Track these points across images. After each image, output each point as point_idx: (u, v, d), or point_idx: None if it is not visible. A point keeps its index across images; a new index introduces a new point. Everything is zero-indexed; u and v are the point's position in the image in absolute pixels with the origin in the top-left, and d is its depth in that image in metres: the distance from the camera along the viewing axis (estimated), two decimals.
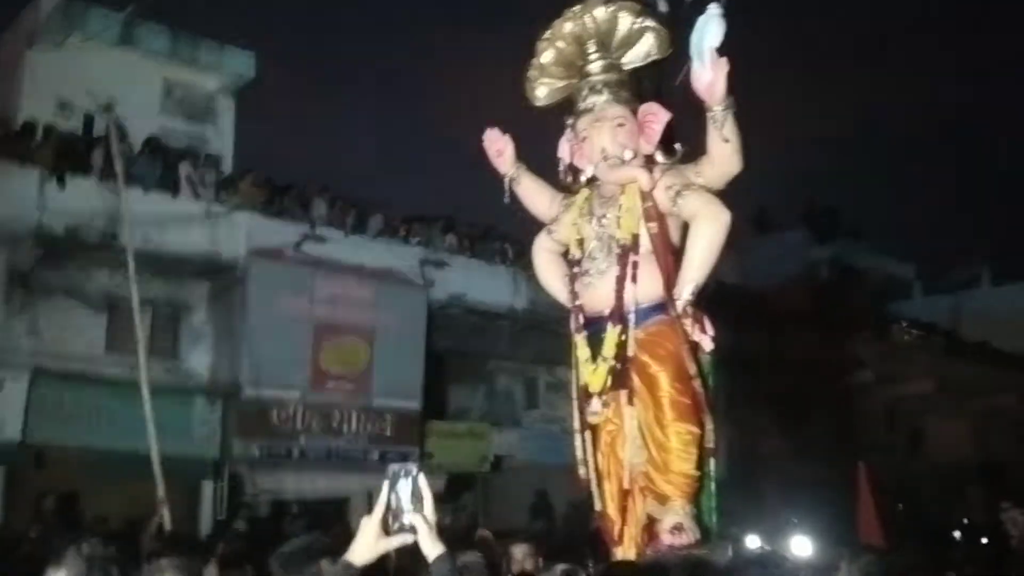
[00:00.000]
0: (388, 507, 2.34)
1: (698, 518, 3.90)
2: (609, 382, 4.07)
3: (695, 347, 3.99)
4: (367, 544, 2.33)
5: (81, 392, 11.23)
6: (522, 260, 15.31)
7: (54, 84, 13.53)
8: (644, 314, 4.04)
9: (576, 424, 4.32)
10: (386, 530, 2.34)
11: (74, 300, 11.78)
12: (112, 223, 10.84)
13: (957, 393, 24.53)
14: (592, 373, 4.12)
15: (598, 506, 4.18)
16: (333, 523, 12.07)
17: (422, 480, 2.37)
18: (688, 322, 3.96)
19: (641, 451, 4.00)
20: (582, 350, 4.22)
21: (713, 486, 4.04)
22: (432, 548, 2.35)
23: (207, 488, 12.13)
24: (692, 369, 3.94)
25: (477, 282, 14.98)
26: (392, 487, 2.36)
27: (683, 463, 3.86)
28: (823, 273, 30.11)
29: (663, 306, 4.02)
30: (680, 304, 3.95)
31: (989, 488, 22.92)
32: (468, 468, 15.38)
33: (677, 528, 3.76)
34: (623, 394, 4.05)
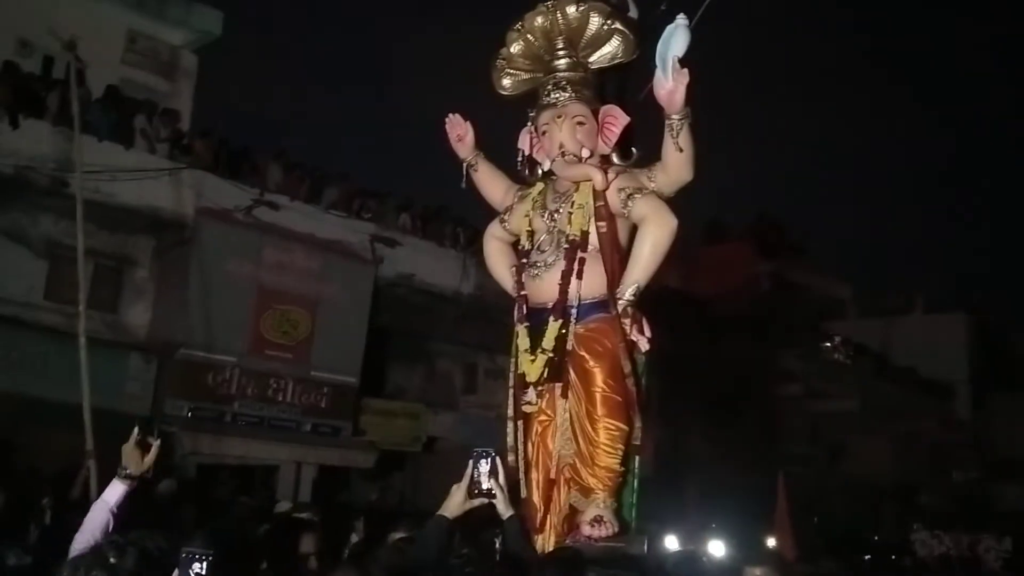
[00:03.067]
0: (472, 478, 3.22)
1: (618, 512, 4.04)
2: (546, 374, 4.17)
3: (632, 346, 4.11)
4: (457, 504, 3.18)
5: (16, 337, 11.03)
6: (473, 245, 15.39)
7: (15, 22, 13.22)
8: (586, 310, 4.15)
9: (509, 412, 4.41)
10: (470, 494, 3.20)
11: (17, 243, 11.55)
12: (63, 168, 10.65)
13: (880, 414, 25.22)
14: (530, 363, 4.22)
15: (523, 493, 4.28)
16: (260, 489, 12.12)
17: (498, 460, 3.26)
18: (627, 322, 4.08)
19: (570, 443, 4.12)
20: (522, 340, 4.31)
21: (636, 483, 4.18)
22: (506, 509, 3.26)
23: None
24: (627, 367, 4.06)
25: (426, 263, 15.02)
26: (475, 463, 3.25)
27: (609, 458, 3.99)
28: (763, 286, 30.64)
29: (605, 304, 4.13)
30: (621, 304, 4.07)
31: (901, 508, 23.68)
32: (401, 447, 15.44)
33: (597, 520, 3.89)
34: (558, 386, 4.17)
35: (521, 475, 4.25)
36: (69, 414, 8.40)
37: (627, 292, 4.06)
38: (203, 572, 2.36)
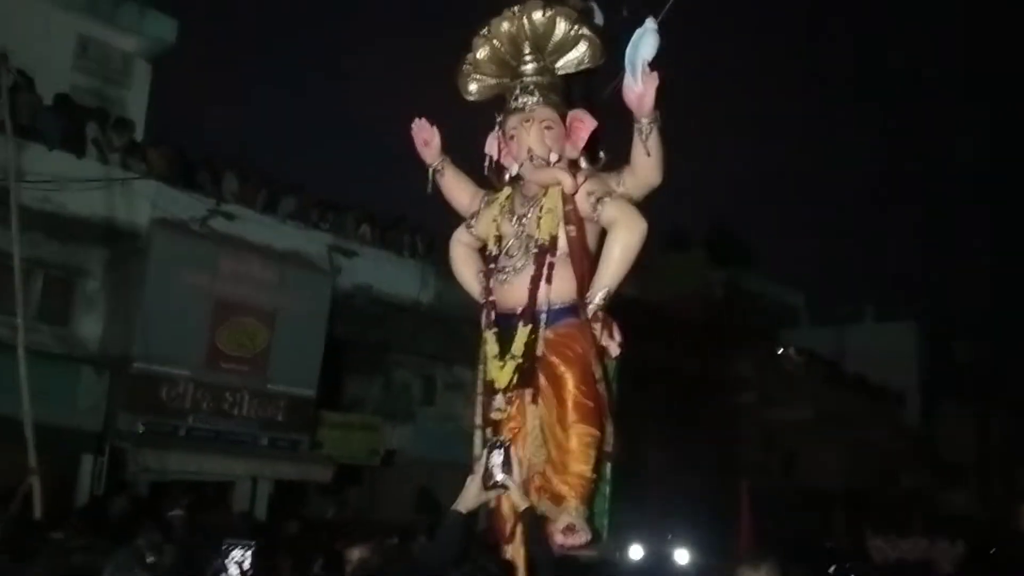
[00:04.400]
0: (486, 470, 3.24)
1: (590, 520, 3.99)
2: (515, 379, 4.12)
3: (602, 351, 4.09)
4: (472, 496, 3.22)
5: None
6: (432, 255, 15.34)
7: None
8: (555, 315, 4.11)
9: (477, 420, 4.35)
10: (484, 486, 3.21)
11: None
12: (6, 177, 10.38)
13: (832, 422, 25.58)
14: (499, 369, 4.17)
15: (492, 503, 4.22)
16: (215, 506, 11.89)
17: (512, 450, 3.27)
18: (597, 326, 4.05)
19: (540, 450, 4.07)
20: (491, 346, 4.26)
21: (608, 490, 4.14)
22: (521, 501, 3.30)
23: (87, 462, 11.73)
24: (598, 372, 4.03)
25: (385, 273, 14.93)
26: (488, 455, 3.27)
27: (581, 465, 3.94)
28: (718, 293, 30.95)
29: (575, 309, 4.10)
30: (591, 308, 4.04)
31: (853, 515, 24.00)
32: (358, 460, 15.27)
33: (569, 529, 3.83)
34: (528, 392, 4.12)
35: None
36: (15, 428, 8.16)
37: (597, 296, 4.03)
38: (244, 561, 2.51)
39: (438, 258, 14.96)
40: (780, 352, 27.33)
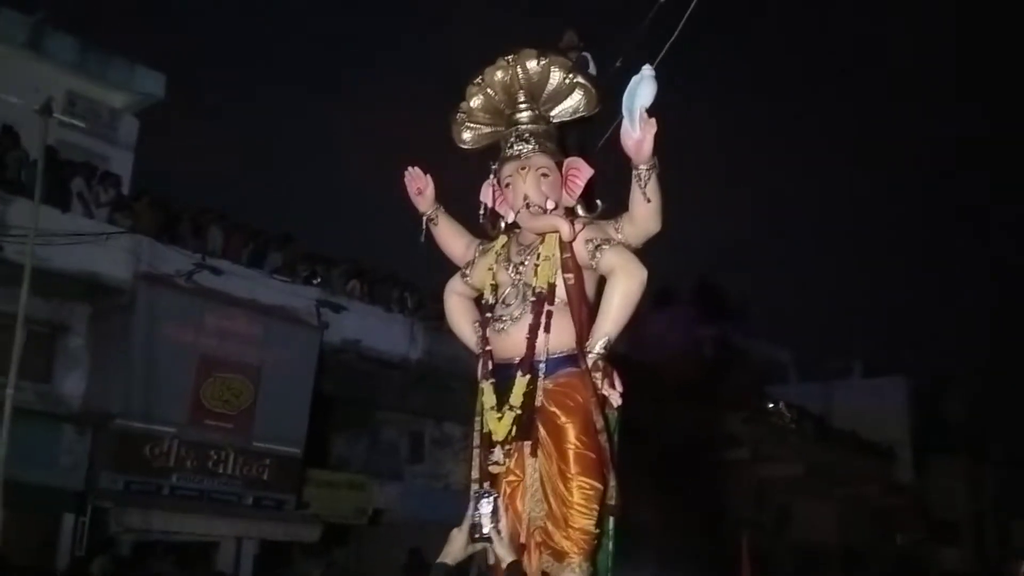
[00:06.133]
0: (472, 520, 3.14)
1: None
2: (514, 431, 4.00)
3: (603, 401, 3.98)
4: (458, 548, 3.10)
5: None
6: (421, 310, 15.25)
7: None
8: (554, 364, 4.01)
9: (474, 474, 4.22)
10: (471, 538, 3.10)
11: None
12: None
13: (824, 478, 25.42)
14: (497, 421, 4.05)
15: (491, 560, 4.08)
16: (199, 566, 11.59)
17: (499, 501, 3.19)
18: (598, 376, 3.96)
19: (540, 505, 3.94)
20: (487, 397, 4.15)
21: (611, 545, 4.00)
22: (507, 555, 3.18)
23: (68, 521, 11.44)
24: (599, 423, 3.92)
25: (373, 329, 14.82)
26: (475, 505, 3.17)
27: (584, 519, 3.80)
28: (707, 350, 30.92)
29: (574, 358, 4.00)
30: (591, 357, 3.95)
31: (849, 572, 23.71)
32: (346, 520, 14.99)
33: None
34: (527, 445, 4.00)
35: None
36: None
37: (597, 345, 3.94)
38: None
39: (427, 314, 14.88)
40: (771, 408, 27.22)
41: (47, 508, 11.22)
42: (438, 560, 3.01)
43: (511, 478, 4.05)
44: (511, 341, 4.10)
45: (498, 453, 4.04)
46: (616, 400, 4.02)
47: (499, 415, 4.04)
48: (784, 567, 20.85)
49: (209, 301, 12.96)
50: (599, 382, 3.96)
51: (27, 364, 11.21)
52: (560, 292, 4.09)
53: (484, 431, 4.13)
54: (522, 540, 3.96)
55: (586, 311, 4.06)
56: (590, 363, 3.95)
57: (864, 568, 25.31)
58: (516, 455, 4.03)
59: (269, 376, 13.47)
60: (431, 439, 16.97)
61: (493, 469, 4.07)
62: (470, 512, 3.13)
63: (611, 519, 3.97)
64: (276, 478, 13.45)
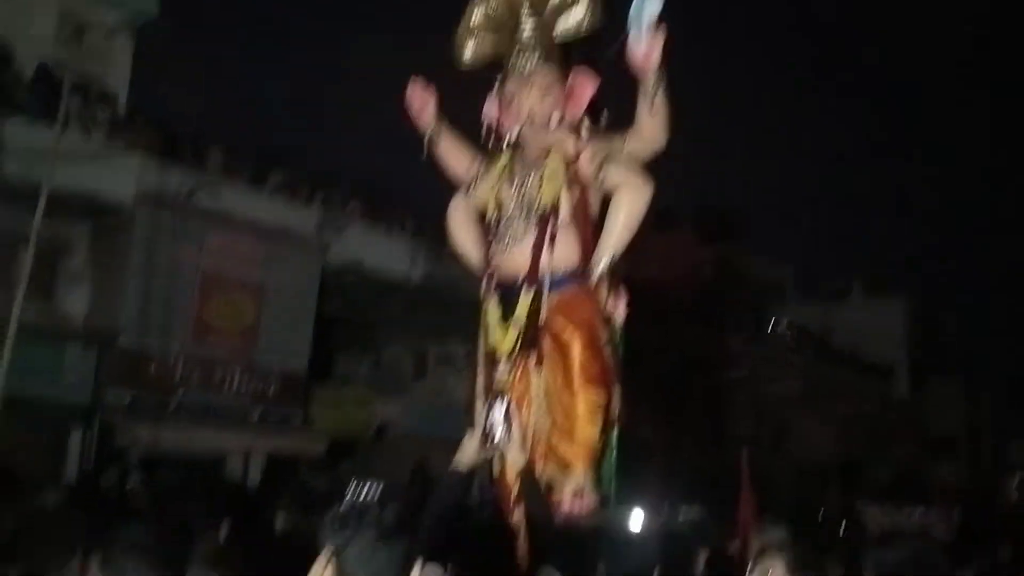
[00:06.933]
0: (485, 427, 3.14)
1: (597, 486, 3.93)
2: (519, 345, 4.04)
3: (608, 316, 4.01)
4: (471, 453, 3.08)
5: None
6: (423, 231, 15.22)
7: None
8: (559, 280, 4.02)
9: (479, 388, 4.27)
10: (483, 442, 3.11)
11: None
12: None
13: (822, 396, 25.70)
14: (502, 336, 4.08)
15: (496, 472, 4.15)
16: (208, 481, 11.80)
17: (512, 408, 3.19)
18: (603, 291, 3.98)
19: (545, 417, 3.99)
20: (492, 313, 4.17)
21: (614, 455, 4.08)
22: (519, 458, 3.18)
23: (76, 436, 11.62)
24: (604, 337, 3.96)
25: (375, 249, 14.79)
26: (488, 412, 3.18)
27: (588, 430, 3.86)
28: (707, 271, 30.92)
29: (579, 274, 4.01)
30: (596, 273, 3.96)
31: (846, 487, 24.16)
32: (351, 435, 15.22)
33: (577, 494, 3.77)
34: (532, 358, 4.04)
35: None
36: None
37: (602, 261, 3.95)
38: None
39: (429, 234, 14.85)
40: (771, 328, 27.39)
41: (55, 423, 11.39)
42: (452, 464, 3.02)
43: (516, 392, 4.12)
44: (516, 258, 4.10)
45: (503, 367, 4.09)
46: (621, 314, 4.05)
47: (504, 330, 4.07)
48: (782, 483, 21.23)
49: (209, 221, 12.92)
50: (604, 297, 3.99)
51: (29, 282, 11.25)
52: (565, 208, 4.06)
53: (489, 347, 4.16)
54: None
55: (590, 227, 4.05)
56: (595, 278, 3.97)
57: (861, 482, 25.75)
58: (521, 369, 4.08)
59: (272, 295, 13.53)
60: (435, 356, 17.13)
61: (498, 384, 4.12)
62: (483, 418, 3.14)
63: (615, 431, 4.04)
64: (282, 393, 13.63)
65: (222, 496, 5.83)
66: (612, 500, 4.04)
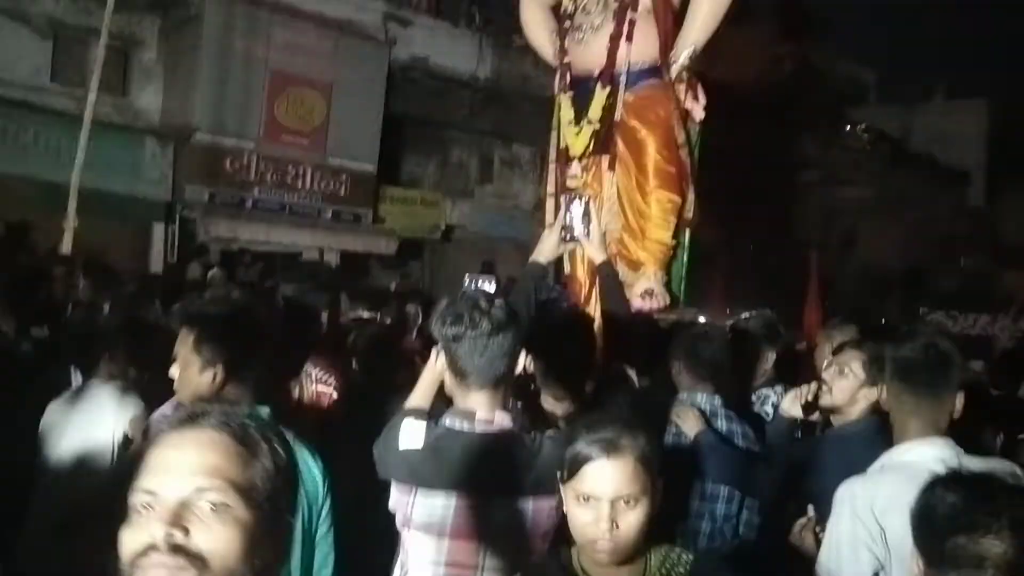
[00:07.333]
0: (564, 221, 3.07)
1: (668, 286, 3.97)
2: (591, 146, 3.99)
3: (686, 115, 3.92)
4: (550, 247, 3.05)
5: (26, 121, 10.77)
6: (490, 26, 14.74)
7: None
8: (636, 76, 3.91)
9: (550, 188, 4.26)
10: (563, 238, 3.06)
11: (18, 23, 11.03)
12: None
13: (894, 202, 25.13)
14: (574, 136, 4.03)
15: (567, 270, 4.20)
16: (286, 275, 12.21)
17: (591, 204, 3.12)
18: (681, 88, 3.87)
19: (617, 217, 4.00)
20: (566, 111, 4.10)
21: (685, 256, 4.09)
22: (598, 254, 3.14)
23: (158, 230, 12.04)
24: (680, 137, 3.89)
25: (441, 45, 14.43)
26: (567, 208, 3.11)
27: (661, 231, 3.87)
28: (785, 67, 29.65)
29: (657, 69, 3.89)
30: (675, 68, 3.84)
31: (909, 293, 24.03)
32: (419, 234, 15.47)
33: (648, 293, 3.83)
34: (605, 158, 3.99)
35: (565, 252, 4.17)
36: (83, 199, 8.27)
37: (682, 56, 3.82)
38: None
39: (497, 29, 14.38)
40: (847, 129, 26.48)
41: (138, 217, 11.76)
42: (531, 258, 3.03)
43: (588, 192, 4.10)
44: (591, 52, 3.98)
45: (575, 167, 4.06)
46: (699, 114, 3.95)
47: (577, 129, 4.02)
48: (848, 287, 21.18)
49: (277, 14, 12.66)
50: (682, 95, 3.88)
51: (103, 77, 11.36)
52: None
53: (561, 146, 4.12)
54: None
55: (671, 19, 3.89)
56: (674, 74, 3.85)
57: (925, 290, 25.57)
58: (594, 169, 4.05)
59: (340, 92, 13.40)
60: (500, 160, 17.00)
61: (570, 183, 4.10)
62: (562, 214, 3.11)
63: (687, 232, 4.04)
64: (353, 193, 13.79)
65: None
66: (682, 301, 4.08)
